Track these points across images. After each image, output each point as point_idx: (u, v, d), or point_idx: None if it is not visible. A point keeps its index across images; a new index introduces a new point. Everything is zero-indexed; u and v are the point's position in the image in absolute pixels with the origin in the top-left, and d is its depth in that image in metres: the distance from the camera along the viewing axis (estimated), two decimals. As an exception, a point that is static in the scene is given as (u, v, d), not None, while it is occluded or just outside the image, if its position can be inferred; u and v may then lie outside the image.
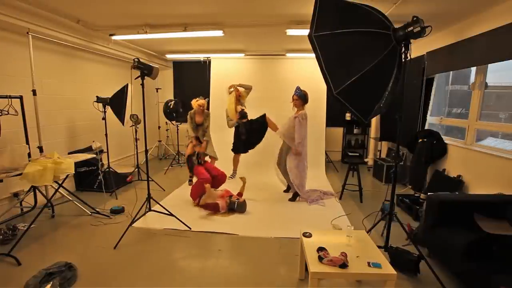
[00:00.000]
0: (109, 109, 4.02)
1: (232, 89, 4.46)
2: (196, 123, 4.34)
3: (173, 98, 6.20)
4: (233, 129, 4.53)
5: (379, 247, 1.96)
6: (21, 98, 3.02)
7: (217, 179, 3.82)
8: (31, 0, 2.89)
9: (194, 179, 3.95)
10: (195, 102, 4.30)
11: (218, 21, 3.65)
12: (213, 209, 3.35)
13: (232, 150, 4.59)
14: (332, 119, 5.91)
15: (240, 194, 3.65)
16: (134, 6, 3.11)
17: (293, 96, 3.71)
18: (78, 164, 3.44)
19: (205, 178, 3.57)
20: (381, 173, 4.81)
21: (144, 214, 3.04)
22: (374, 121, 5.63)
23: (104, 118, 4.01)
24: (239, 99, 4.42)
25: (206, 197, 3.43)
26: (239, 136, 4.45)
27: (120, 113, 3.96)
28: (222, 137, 5.13)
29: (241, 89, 4.50)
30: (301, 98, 3.66)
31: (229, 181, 4.34)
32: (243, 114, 4.22)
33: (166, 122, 6.36)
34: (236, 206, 3.38)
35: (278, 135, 3.85)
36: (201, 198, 3.55)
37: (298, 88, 3.71)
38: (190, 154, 3.99)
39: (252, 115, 4.41)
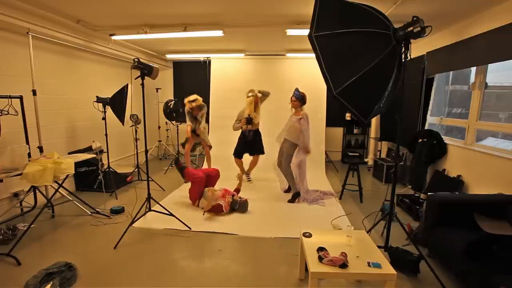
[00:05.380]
0: (109, 109, 4.01)
1: (251, 93, 4.30)
2: (194, 116, 4.47)
3: (173, 98, 6.20)
4: (232, 130, 4.51)
5: (379, 247, 1.96)
6: (21, 98, 3.02)
7: (211, 176, 3.76)
8: (31, 0, 2.89)
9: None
10: (189, 104, 4.37)
11: (218, 21, 3.65)
12: (217, 210, 3.32)
13: (234, 154, 4.55)
14: (332, 119, 5.91)
15: (237, 190, 3.67)
16: (134, 6, 3.11)
17: (291, 98, 3.74)
18: (78, 164, 3.45)
19: (200, 177, 3.54)
20: (381, 173, 4.81)
21: (144, 214, 3.03)
22: (374, 121, 5.63)
23: (104, 118, 4.01)
24: (256, 106, 4.31)
25: (208, 203, 3.37)
26: (242, 141, 4.45)
27: (120, 113, 3.95)
28: (222, 137, 5.14)
29: (259, 94, 4.42)
30: (300, 100, 3.70)
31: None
32: (248, 120, 4.19)
33: (166, 122, 6.35)
34: (238, 206, 3.38)
35: (282, 134, 3.82)
36: (200, 201, 3.55)
37: (297, 90, 3.74)
38: (181, 163, 3.88)
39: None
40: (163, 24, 3.75)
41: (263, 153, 4.50)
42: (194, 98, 4.37)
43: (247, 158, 4.58)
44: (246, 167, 4.65)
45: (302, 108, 3.74)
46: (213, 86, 6.03)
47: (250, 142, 4.40)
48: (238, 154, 4.52)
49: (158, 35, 3.96)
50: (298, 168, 3.77)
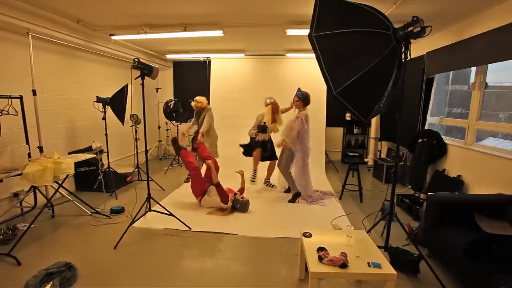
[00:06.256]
0: (109, 109, 4.02)
1: (269, 100, 4.17)
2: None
3: (173, 98, 6.21)
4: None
5: (379, 247, 1.96)
6: (21, 98, 3.02)
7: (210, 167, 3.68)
8: (31, 0, 2.89)
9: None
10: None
11: (218, 21, 3.65)
12: (224, 197, 3.37)
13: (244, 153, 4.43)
14: (332, 119, 5.92)
15: (242, 190, 3.69)
16: (134, 6, 3.11)
17: (294, 98, 3.74)
18: (78, 164, 3.45)
19: (195, 167, 3.52)
20: (381, 173, 4.81)
21: (144, 214, 3.03)
22: (374, 121, 5.63)
23: (104, 118, 4.01)
24: (276, 112, 4.18)
25: (213, 202, 3.46)
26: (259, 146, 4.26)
27: (120, 113, 3.96)
28: (222, 137, 5.12)
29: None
30: (302, 99, 3.69)
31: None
32: (261, 129, 4.05)
33: (166, 122, 6.35)
34: (239, 205, 3.40)
35: (282, 136, 3.80)
36: (203, 198, 3.55)
37: (299, 90, 3.74)
38: (176, 137, 3.91)
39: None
40: (163, 24, 3.75)
41: (276, 158, 4.27)
42: (196, 98, 4.48)
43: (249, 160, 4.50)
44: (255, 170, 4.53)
45: (305, 108, 3.73)
46: (213, 86, 6.03)
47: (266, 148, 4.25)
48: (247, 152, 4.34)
49: (158, 35, 3.96)
50: (302, 172, 3.77)
